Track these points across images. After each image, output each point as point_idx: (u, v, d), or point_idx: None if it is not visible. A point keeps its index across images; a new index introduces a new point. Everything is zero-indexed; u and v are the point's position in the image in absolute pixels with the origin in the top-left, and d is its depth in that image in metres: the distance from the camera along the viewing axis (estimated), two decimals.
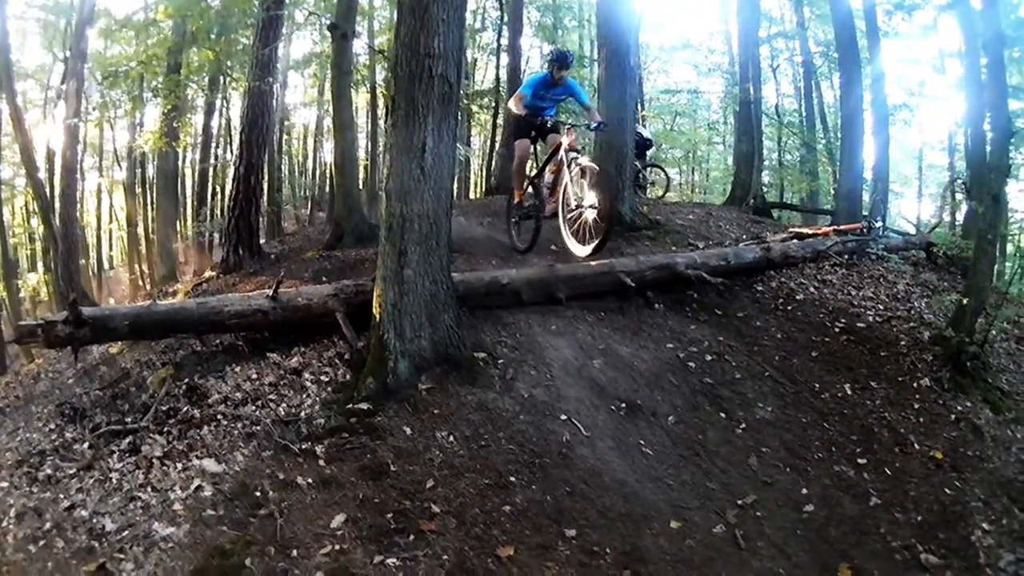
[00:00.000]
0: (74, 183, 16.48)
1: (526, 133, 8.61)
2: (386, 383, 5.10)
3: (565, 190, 7.87)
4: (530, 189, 8.86)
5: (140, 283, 21.52)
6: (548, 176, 8.42)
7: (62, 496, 4.27)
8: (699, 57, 24.71)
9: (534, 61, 24.36)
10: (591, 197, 7.58)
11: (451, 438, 4.62)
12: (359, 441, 4.58)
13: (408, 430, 4.67)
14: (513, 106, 8.31)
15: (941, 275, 9.74)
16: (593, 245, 7.48)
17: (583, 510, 4.14)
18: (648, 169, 15.90)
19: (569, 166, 7.80)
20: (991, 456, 5.66)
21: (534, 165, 8.74)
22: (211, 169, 21.43)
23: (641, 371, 5.81)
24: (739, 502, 4.62)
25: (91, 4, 15.67)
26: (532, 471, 4.39)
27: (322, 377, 5.55)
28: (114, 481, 4.37)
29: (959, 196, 16.17)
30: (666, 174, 17.46)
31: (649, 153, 16.14)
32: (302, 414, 5.02)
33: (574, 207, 7.78)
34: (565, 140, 7.92)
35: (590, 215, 7.60)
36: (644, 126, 14.43)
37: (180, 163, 21.91)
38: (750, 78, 15.38)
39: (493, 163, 18.81)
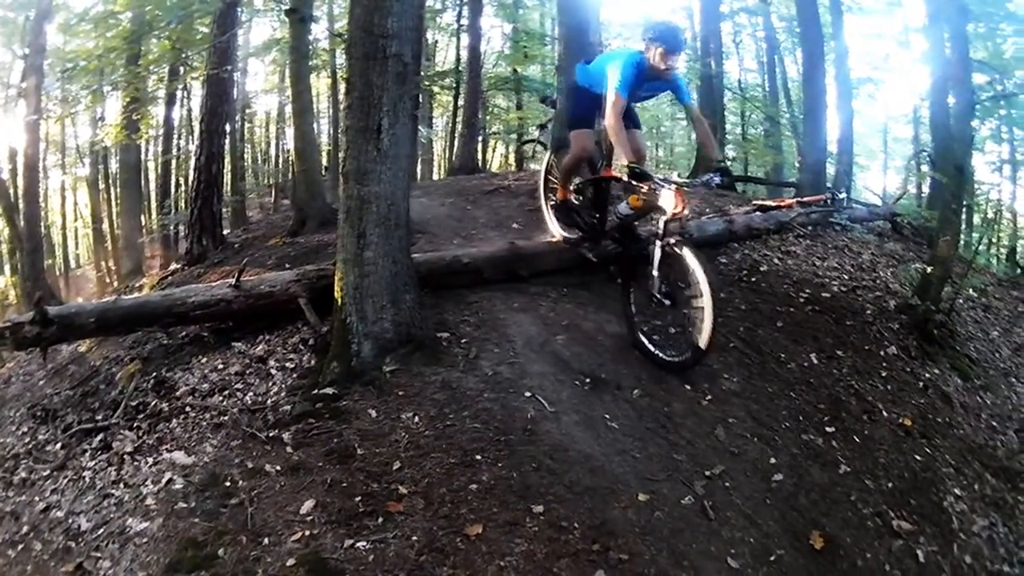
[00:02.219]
0: (37, 181, 16.37)
1: (589, 122, 6.43)
2: (350, 366, 5.10)
3: (650, 272, 5.69)
4: (573, 196, 6.87)
5: (107, 280, 21.32)
6: (623, 209, 6.23)
7: (38, 498, 4.32)
8: None
9: (495, 41, 24.31)
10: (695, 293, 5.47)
11: (416, 419, 4.61)
12: (325, 426, 4.58)
13: (373, 412, 4.67)
14: (612, 118, 5.64)
15: (907, 245, 9.84)
16: (682, 359, 5.60)
17: (550, 485, 4.14)
18: None
19: (666, 247, 5.63)
20: (961, 423, 5.76)
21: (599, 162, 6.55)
22: (173, 161, 21.26)
23: (605, 345, 5.82)
24: (707, 473, 4.65)
25: None
26: (498, 448, 4.39)
27: (287, 364, 5.55)
28: (87, 479, 4.42)
29: (924, 168, 16.40)
30: None
31: None
32: (268, 402, 5.04)
33: (658, 297, 5.72)
34: (669, 205, 5.52)
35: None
36: None
37: (143, 156, 21.73)
38: (711, 52, 15.52)
39: (456, 144, 18.83)
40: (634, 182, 5.72)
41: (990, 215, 17.24)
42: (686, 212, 5.62)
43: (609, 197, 6.58)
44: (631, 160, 5.59)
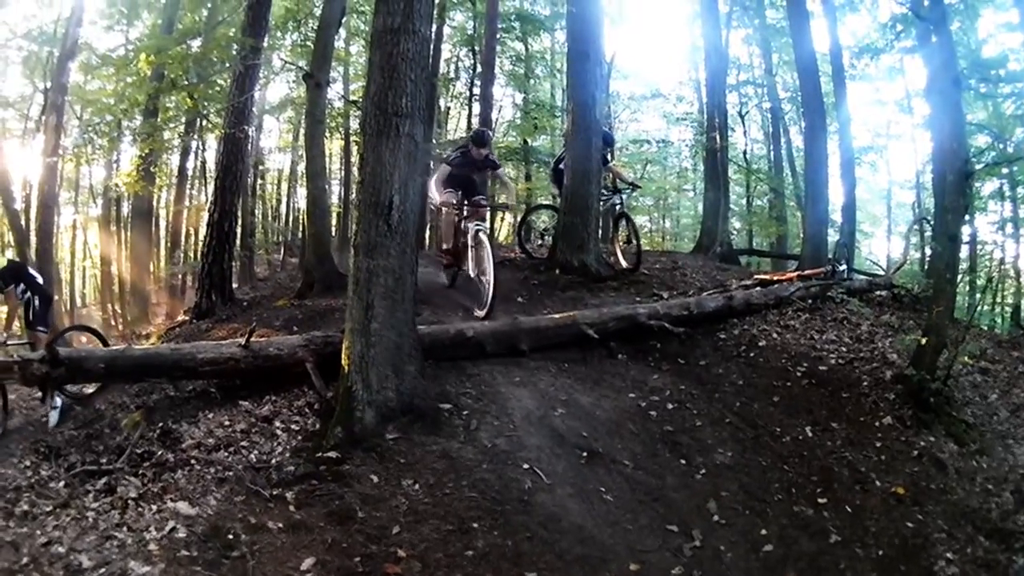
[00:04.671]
0: (51, 219, 16.51)
1: None
2: (353, 432, 5.22)
3: None
4: None
5: (112, 323, 21.39)
6: None
7: (39, 532, 4.31)
8: (668, 106, 24.79)
9: (506, 110, 24.72)
10: None
11: (416, 486, 4.73)
12: (327, 488, 4.68)
13: (375, 478, 4.78)
14: None
15: (906, 314, 9.77)
16: None
17: (542, 554, 4.25)
18: None
19: None
20: (954, 488, 5.73)
21: None
22: (185, 211, 21.45)
23: (602, 420, 5.95)
24: (697, 544, 4.72)
25: (75, 38, 15.82)
26: (493, 517, 4.50)
27: (292, 425, 5.65)
28: (90, 520, 4.42)
29: (927, 233, 16.46)
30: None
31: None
32: (273, 461, 5.12)
33: None
34: None
35: None
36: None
37: (155, 203, 21.91)
38: (717, 127, 15.52)
39: None
40: None
41: (992, 275, 17.21)
42: None
43: None
44: None
